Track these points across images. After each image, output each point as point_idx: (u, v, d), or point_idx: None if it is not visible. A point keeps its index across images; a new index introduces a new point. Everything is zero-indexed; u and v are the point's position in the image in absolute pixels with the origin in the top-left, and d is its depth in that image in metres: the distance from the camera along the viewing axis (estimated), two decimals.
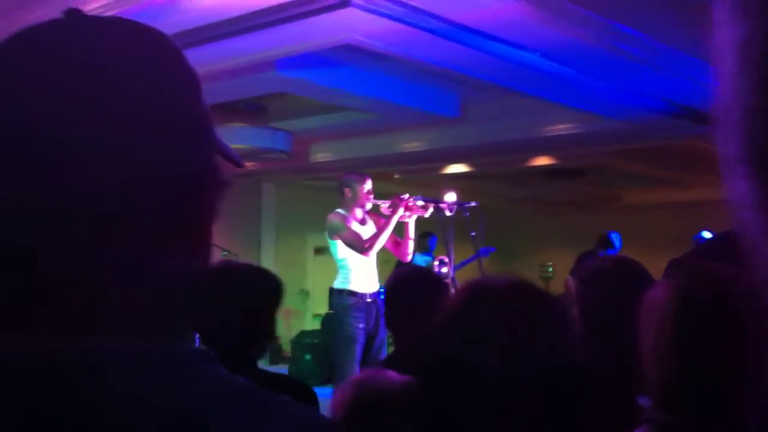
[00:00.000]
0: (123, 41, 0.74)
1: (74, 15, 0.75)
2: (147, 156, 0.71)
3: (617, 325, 2.63)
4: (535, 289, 1.56)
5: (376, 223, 6.47)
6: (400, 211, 6.26)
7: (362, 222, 6.43)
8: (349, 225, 6.27)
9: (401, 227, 6.41)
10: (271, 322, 2.82)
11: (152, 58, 0.75)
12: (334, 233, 6.31)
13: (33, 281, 0.69)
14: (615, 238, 10.07)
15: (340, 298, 6.31)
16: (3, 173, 0.69)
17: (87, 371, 0.66)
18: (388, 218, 6.28)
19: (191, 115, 0.76)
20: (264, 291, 2.79)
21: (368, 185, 6.40)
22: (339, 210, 6.40)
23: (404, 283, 3.44)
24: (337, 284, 6.38)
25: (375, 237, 6.24)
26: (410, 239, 6.49)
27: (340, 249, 6.32)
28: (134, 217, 0.70)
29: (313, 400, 2.87)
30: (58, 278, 0.69)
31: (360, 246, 6.21)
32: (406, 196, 6.35)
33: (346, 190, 6.41)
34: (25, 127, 0.68)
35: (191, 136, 0.76)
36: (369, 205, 6.46)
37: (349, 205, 6.40)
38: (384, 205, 6.46)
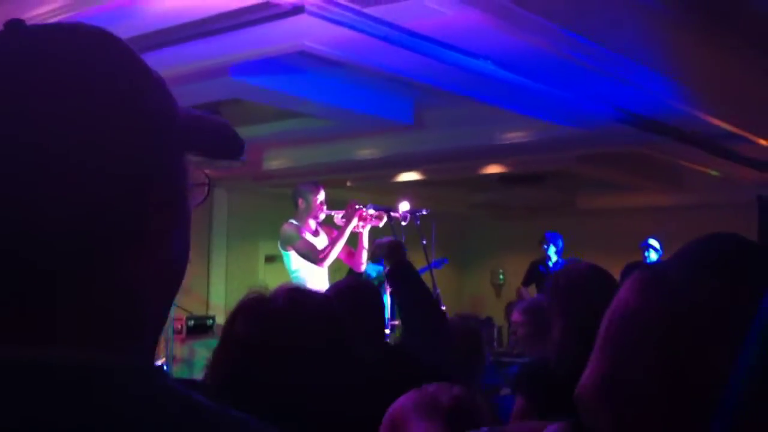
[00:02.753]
0: (74, 47, 0.73)
1: (15, 26, 0.73)
2: (119, 164, 0.70)
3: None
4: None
5: (328, 234, 6.44)
6: (354, 221, 6.24)
7: (315, 233, 6.40)
8: (302, 235, 6.25)
9: (355, 237, 6.39)
10: None
11: (107, 61, 0.73)
12: (288, 244, 6.27)
13: (32, 295, 0.69)
14: (552, 237, 10.14)
15: None
16: None
17: (94, 381, 0.67)
18: (342, 229, 6.25)
19: (156, 116, 0.74)
20: None
21: (322, 196, 6.38)
22: (292, 220, 6.37)
23: (338, 297, 3.46)
24: None
25: (329, 248, 6.21)
26: (364, 249, 6.47)
27: (293, 260, 6.29)
28: (110, 228, 0.70)
29: None
30: (52, 293, 0.69)
31: (314, 257, 6.19)
32: (358, 205, 6.33)
33: (300, 200, 6.39)
34: None
35: (159, 139, 0.74)
36: (322, 216, 6.44)
37: (303, 215, 6.38)
38: (337, 216, 6.45)
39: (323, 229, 6.51)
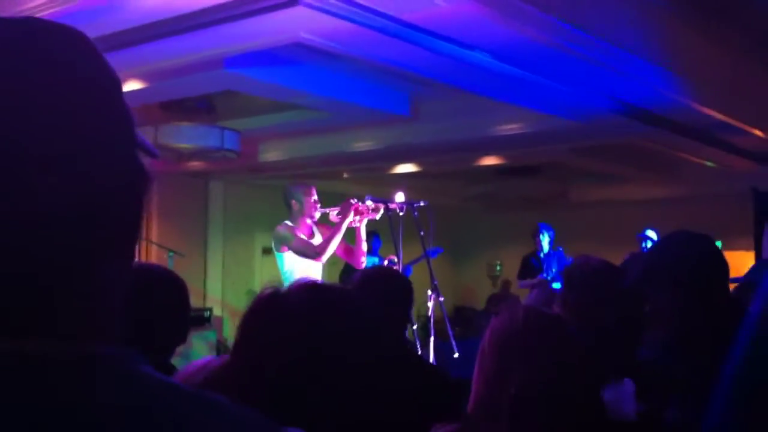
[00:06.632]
0: (35, 42, 0.72)
1: None
2: (79, 160, 0.70)
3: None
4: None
5: (324, 234, 6.36)
6: (350, 216, 6.18)
7: (311, 234, 6.32)
8: (297, 234, 6.18)
9: (352, 233, 6.33)
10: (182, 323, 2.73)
11: (66, 59, 0.73)
12: (283, 244, 6.16)
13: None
14: (544, 227, 10.30)
15: None
16: None
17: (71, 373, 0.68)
18: (338, 224, 6.16)
19: (114, 114, 0.75)
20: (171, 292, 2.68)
21: (314, 195, 6.31)
22: (287, 222, 6.30)
23: (369, 285, 3.37)
24: None
25: (326, 242, 6.11)
26: (362, 241, 6.36)
27: (287, 261, 6.19)
28: (79, 224, 0.70)
29: None
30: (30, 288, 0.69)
31: (311, 252, 6.09)
32: (354, 200, 6.26)
33: (293, 202, 6.31)
34: None
35: (118, 136, 0.75)
36: (318, 215, 6.36)
37: (297, 216, 6.29)
38: (333, 213, 6.37)
39: (320, 229, 6.45)
